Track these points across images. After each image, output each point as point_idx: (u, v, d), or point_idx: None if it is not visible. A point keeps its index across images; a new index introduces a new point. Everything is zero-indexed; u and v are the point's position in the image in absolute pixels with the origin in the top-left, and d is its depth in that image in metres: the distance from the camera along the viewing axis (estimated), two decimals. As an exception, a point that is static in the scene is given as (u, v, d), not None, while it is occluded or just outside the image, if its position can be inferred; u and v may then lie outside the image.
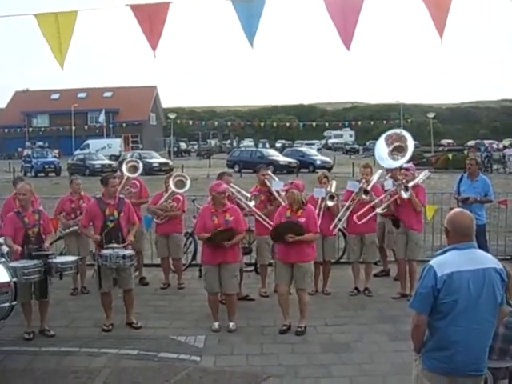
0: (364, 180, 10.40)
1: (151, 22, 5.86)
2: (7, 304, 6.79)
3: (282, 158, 44.71)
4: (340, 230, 11.69)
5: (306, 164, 44.24)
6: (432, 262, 4.53)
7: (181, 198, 11.08)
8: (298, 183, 8.90)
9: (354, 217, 10.10)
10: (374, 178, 10.69)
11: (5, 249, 9.34)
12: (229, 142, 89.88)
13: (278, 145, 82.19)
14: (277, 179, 10.80)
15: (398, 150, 10.66)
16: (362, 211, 10.10)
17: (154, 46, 5.95)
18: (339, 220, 10.47)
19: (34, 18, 5.87)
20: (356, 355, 7.59)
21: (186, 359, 7.56)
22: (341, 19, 5.60)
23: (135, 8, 5.80)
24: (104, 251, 8.52)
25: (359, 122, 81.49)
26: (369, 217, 10.11)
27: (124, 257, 8.47)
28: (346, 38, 5.66)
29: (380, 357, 7.50)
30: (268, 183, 10.46)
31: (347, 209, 10.34)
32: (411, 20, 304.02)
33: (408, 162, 10.61)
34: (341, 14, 5.60)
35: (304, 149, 54.30)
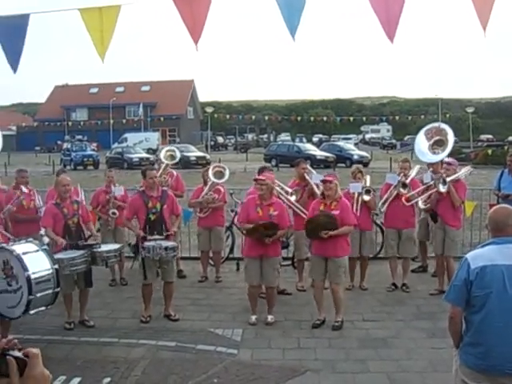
0: (402, 174, 10.32)
1: (193, 15, 5.87)
2: (50, 291, 6.89)
3: (319, 153, 44.46)
4: (377, 224, 11.63)
5: (343, 159, 43.92)
6: (468, 254, 4.51)
7: (222, 189, 11.15)
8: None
9: (403, 198, 10.04)
10: (413, 173, 10.61)
11: (45, 240, 9.49)
12: (266, 136, 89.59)
13: (315, 139, 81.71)
14: (315, 173, 10.75)
15: (438, 144, 10.54)
16: (415, 191, 10.09)
17: (196, 40, 5.96)
18: (376, 214, 10.42)
19: (79, 13, 5.96)
20: (393, 351, 7.55)
21: (224, 352, 7.60)
22: (384, 11, 5.54)
23: (178, 1, 5.82)
24: (147, 243, 8.61)
25: (397, 117, 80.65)
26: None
27: (166, 248, 8.54)
28: (390, 30, 5.59)
29: (418, 353, 7.44)
30: (307, 177, 10.42)
31: (385, 202, 10.25)
32: (452, 12, 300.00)
33: (447, 157, 10.49)
34: (384, 5, 5.54)
35: (341, 143, 53.89)
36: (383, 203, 10.32)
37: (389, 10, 5.56)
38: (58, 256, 7.80)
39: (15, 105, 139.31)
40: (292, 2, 5.56)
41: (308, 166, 10.89)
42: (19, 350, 1.71)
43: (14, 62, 6.33)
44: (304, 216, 9.82)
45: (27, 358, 1.68)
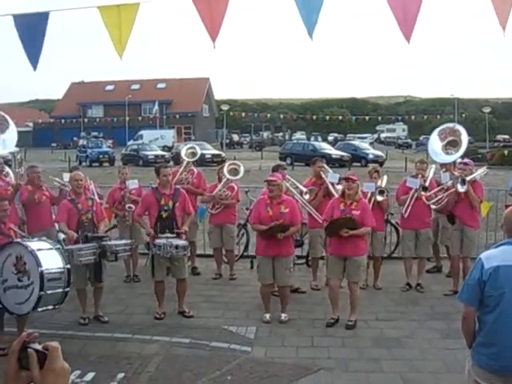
0: (420, 176, 10.28)
1: (212, 13, 5.89)
2: (60, 290, 6.93)
3: (334, 152, 44.31)
4: (392, 224, 11.60)
5: (358, 158, 43.78)
6: (482, 254, 4.49)
7: (235, 187, 11.16)
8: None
9: (424, 197, 10.01)
10: (430, 174, 10.56)
11: (61, 236, 9.58)
12: (281, 134, 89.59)
13: (330, 138, 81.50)
14: (332, 172, 10.74)
15: (451, 145, 10.51)
16: (433, 191, 10.09)
17: (214, 38, 5.97)
18: (391, 214, 10.40)
19: (97, 11, 6.00)
20: (407, 351, 7.54)
21: (237, 349, 7.62)
22: (401, 11, 5.52)
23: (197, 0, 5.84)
24: (157, 240, 8.64)
25: (412, 117, 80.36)
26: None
27: (177, 247, 8.56)
28: (407, 30, 5.57)
29: (431, 354, 7.43)
30: (323, 175, 10.41)
31: (408, 205, 10.20)
32: (470, 11, 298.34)
33: (462, 157, 10.45)
34: (401, 5, 5.52)
35: (356, 142, 53.73)
36: (406, 208, 10.24)
37: (406, 9, 5.54)
38: (67, 247, 7.89)
39: (32, 101, 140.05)
40: (310, 1, 5.56)
41: (324, 165, 10.88)
42: (39, 343, 1.73)
43: (33, 59, 6.38)
44: (316, 217, 9.83)
45: (47, 351, 1.70)
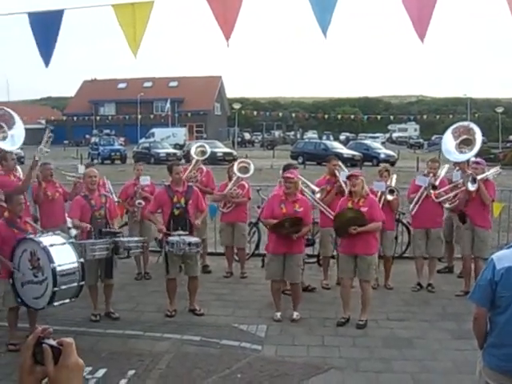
0: (432, 175, 10.25)
1: (226, 12, 5.88)
2: (75, 284, 6.98)
3: (345, 151, 44.16)
4: (404, 224, 11.57)
5: (370, 157, 43.75)
6: (494, 254, 4.46)
7: (246, 185, 11.18)
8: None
9: (433, 195, 9.99)
10: (442, 173, 10.53)
11: (73, 232, 9.62)
12: (292, 133, 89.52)
13: (341, 137, 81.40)
14: (346, 170, 10.73)
15: (465, 143, 10.44)
16: (443, 189, 10.05)
17: (227, 36, 5.96)
18: (403, 214, 10.38)
19: (112, 9, 6.02)
20: (418, 351, 7.51)
21: (248, 347, 7.63)
22: (416, 10, 5.49)
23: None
24: (170, 238, 8.66)
25: (424, 116, 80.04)
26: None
27: (190, 244, 8.57)
28: (421, 30, 5.54)
29: (442, 354, 7.41)
30: (337, 173, 10.39)
31: (416, 203, 10.20)
32: (483, 10, 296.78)
33: (475, 156, 10.40)
34: (416, 5, 5.49)
35: (368, 142, 53.63)
36: (414, 206, 10.23)
37: (421, 9, 5.51)
38: (80, 242, 7.94)
39: (44, 99, 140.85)
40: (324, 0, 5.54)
41: (339, 163, 10.86)
42: (53, 339, 1.75)
43: (46, 56, 6.41)
44: (329, 214, 9.82)
45: (61, 346, 1.71)
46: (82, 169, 10.66)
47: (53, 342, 1.71)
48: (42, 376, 1.70)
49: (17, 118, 10.17)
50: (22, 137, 10.21)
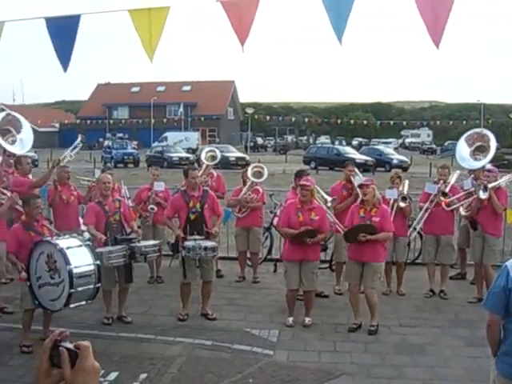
0: (442, 181, 10.23)
1: (241, 17, 5.90)
2: (91, 286, 7.01)
3: (358, 156, 44.01)
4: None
5: (383, 163, 43.65)
6: (508, 261, 4.44)
7: (260, 190, 11.20)
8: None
9: (443, 203, 9.97)
10: (452, 179, 10.50)
11: (86, 236, 9.64)
12: (305, 138, 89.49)
13: (354, 142, 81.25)
14: (361, 176, 10.71)
15: (479, 150, 10.42)
16: (455, 197, 10.04)
17: (242, 41, 5.98)
18: (417, 222, 10.36)
19: (128, 14, 6.05)
20: (430, 358, 7.49)
21: (259, 352, 7.63)
22: (431, 16, 5.47)
23: (226, 4, 5.85)
24: (186, 242, 8.67)
25: (437, 122, 79.81)
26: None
27: (206, 248, 8.58)
28: (436, 36, 5.52)
29: (455, 361, 7.37)
30: (353, 179, 10.38)
31: (425, 211, 10.18)
32: (497, 15, 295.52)
33: (489, 162, 10.37)
34: (431, 10, 5.47)
35: (381, 147, 53.51)
36: (423, 214, 10.23)
37: (436, 15, 5.49)
38: (97, 250, 7.95)
39: (58, 102, 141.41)
40: (339, 6, 5.53)
41: (355, 169, 10.87)
42: (70, 342, 1.76)
43: (64, 61, 6.45)
44: (338, 228, 9.81)
45: (78, 350, 1.73)
46: (97, 173, 10.74)
47: (70, 345, 1.73)
48: (58, 379, 1.72)
49: (24, 121, 10.24)
50: (30, 140, 10.29)
